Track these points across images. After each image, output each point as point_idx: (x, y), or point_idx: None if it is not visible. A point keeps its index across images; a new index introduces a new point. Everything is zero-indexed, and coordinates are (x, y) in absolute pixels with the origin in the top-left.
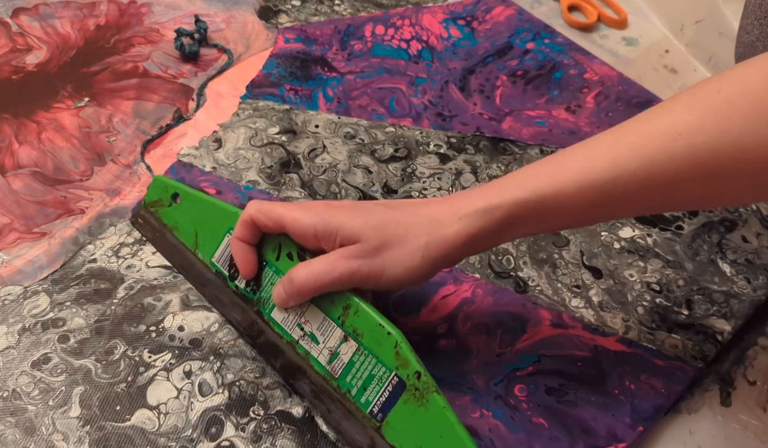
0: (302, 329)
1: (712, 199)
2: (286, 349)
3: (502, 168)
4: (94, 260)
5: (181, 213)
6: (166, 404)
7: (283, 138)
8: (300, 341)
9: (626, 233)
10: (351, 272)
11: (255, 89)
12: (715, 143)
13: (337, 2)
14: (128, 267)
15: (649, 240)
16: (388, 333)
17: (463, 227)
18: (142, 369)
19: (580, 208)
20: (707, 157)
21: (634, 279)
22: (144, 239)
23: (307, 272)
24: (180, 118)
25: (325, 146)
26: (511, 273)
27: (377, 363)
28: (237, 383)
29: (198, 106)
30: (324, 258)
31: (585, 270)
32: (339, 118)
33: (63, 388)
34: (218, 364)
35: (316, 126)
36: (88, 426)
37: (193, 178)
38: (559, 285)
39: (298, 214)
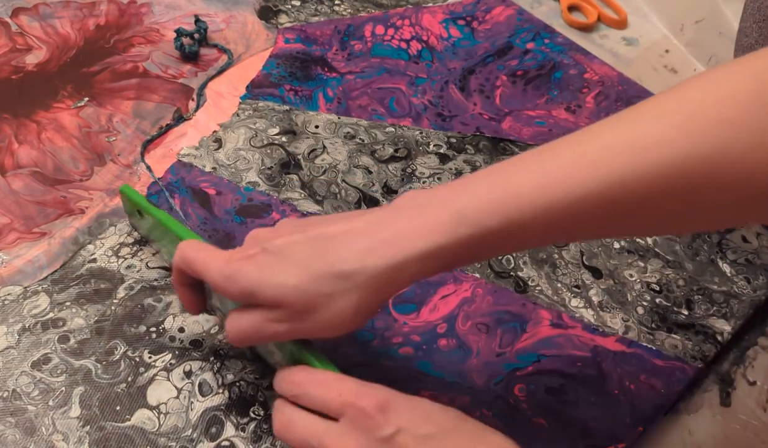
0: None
1: (685, 223)
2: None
3: None
4: (94, 260)
5: (148, 226)
6: (166, 404)
7: (283, 139)
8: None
9: None
10: (278, 333)
11: (255, 89)
12: (687, 156)
13: (337, 2)
14: (128, 267)
15: (649, 240)
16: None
17: (400, 270)
18: (142, 369)
19: (537, 236)
20: (677, 174)
21: (634, 279)
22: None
23: (236, 329)
24: (180, 118)
25: (325, 147)
26: (511, 273)
27: None
28: (237, 384)
29: (198, 106)
30: (250, 316)
31: (585, 270)
32: (339, 118)
33: (63, 388)
34: (218, 364)
35: (316, 126)
36: (88, 426)
37: (193, 179)
38: (559, 285)
39: (216, 272)
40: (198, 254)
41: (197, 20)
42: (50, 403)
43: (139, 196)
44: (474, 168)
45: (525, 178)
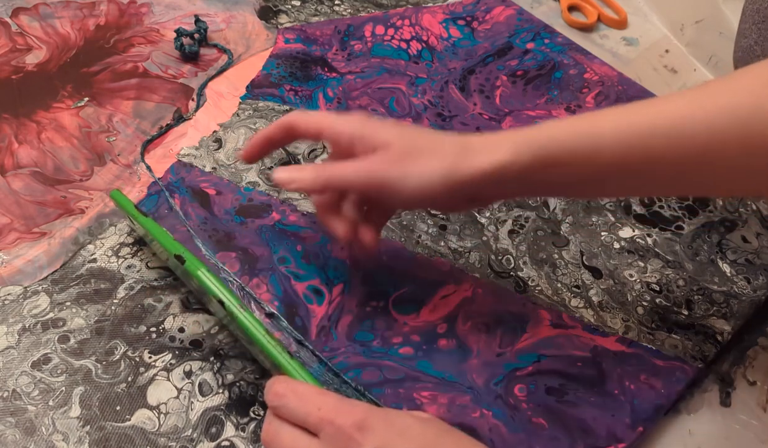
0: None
1: (695, 182)
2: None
3: None
4: (94, 260)
5: (142, 230)
6: (166, 404)
7: None
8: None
9: (626, 233)
10: (368, 171)
11: (255, 89)
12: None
13: (337, 2)
14: (128, 267)
15: (649, 240)
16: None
17: (490, 153)
18: (142, 369)
19: (611, 161)
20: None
21: (633, 279)
22: (144, 239)
23: (334, 165)
24: (180, 118)
25: (324, 147)
26: (511, 273)
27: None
28: (237, 384)
29: (198, 106)
30: (352, 160)
31: (585, 270)
32: None
33: (63, 388)
34: (218, 364)
35: None
36: (88, 426)
37: (193, 179)
38: (559, 285)
39: (335, 120)
40: (316, 112)
41: (197, 20)
42: (50, 403)
43: (127, 203)
44: None
45: (603, 115)
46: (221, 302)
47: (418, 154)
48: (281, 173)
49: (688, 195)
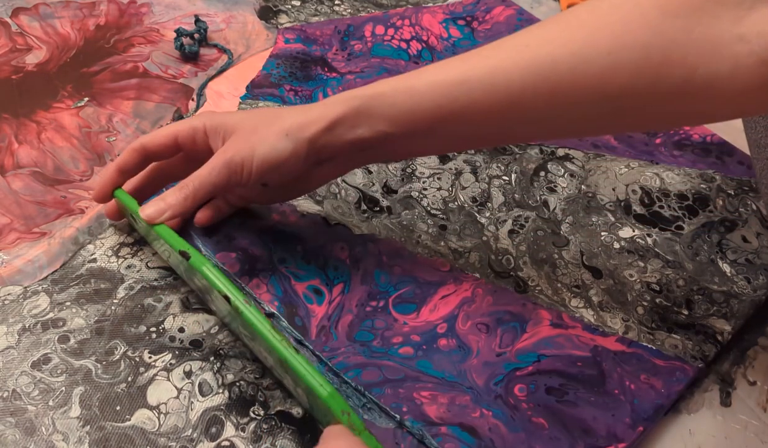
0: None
1: (556, 122)
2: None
3: (502, 168)
4: (94, 260)
5: (144, 229)
6: (166, 404)
7: None
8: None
9: (626, 232)
10: (225, 162)
11: (255, 89)
12: (557, 53)
13: (337, 2)
14: (128, 267)
15: (649, 240)
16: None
17: (324, 110)
18: (142, 369)
19: (430, 109)
20: (549, 67)
21: (634, 279)
22: (144, 239)
23: (192, 177)
24: (180, 118)
25: None
26: (511, 273)
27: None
28: (237, 384)
29: (198, 106)
30: (207, 162)
31: (585, 270)
32: None
33: (63, 388)
34: (218, 364)
35: None
36: (88, 426)
37: None
38: (559, 285)
39: (186, 122)
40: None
41: (197, 20)
42: (50, 403)
43: (131, 201)
44: (474, 168)
45: (433, 65)
46: (227, 298)
47: (261, 127)
48: (148, 209)
49: (511, 142)
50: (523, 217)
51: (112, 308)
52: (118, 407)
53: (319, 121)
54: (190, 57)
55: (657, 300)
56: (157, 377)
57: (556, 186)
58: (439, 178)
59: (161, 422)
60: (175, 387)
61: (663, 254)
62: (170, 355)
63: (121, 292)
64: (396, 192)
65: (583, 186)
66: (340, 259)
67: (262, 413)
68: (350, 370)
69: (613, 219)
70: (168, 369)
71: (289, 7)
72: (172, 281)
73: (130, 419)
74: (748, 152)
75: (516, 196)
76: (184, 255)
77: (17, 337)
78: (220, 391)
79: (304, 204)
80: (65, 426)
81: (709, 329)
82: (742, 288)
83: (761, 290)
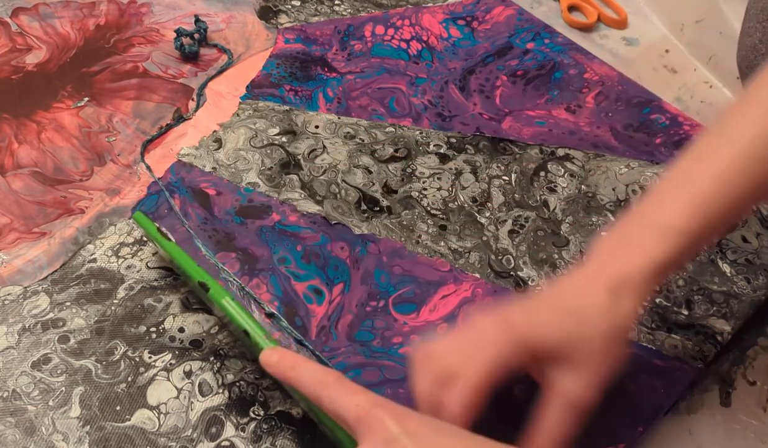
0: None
1: None
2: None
3: (502, 168)
4: (94, 260)
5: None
6: (166, 404)
7: (283, 139)
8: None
9: None
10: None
11: (255, 89)
12: None
13: (337, 2)
14: (128, 267)
15: None
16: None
17: (619, 314)
18: (142, 369)
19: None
20: None
21: None
22: (144, 239)
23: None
24: (180, 118)
25: (325, 147)
26: (511, 273)
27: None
28: (237, 384)
29: (198, 106)
30: None
31: None
32: (339, 118)
33: (63, 388)
34: (218, 364)
35: (316, 126)
36: (88, 426)
37: (193, 179)
38: None
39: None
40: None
41: (197, 20)
42: (50, 403)
43: (150, 226)
44: (474, 168)
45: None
46: (246, 332)
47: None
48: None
49: None
50: (523, 217)
51: (112, 308)
52: (118, 407)
53: (632, 304)
54: (190, 57)
55: (657, 300)
56: (157, 377)
57: (556, 186)
58: (439, 178)
59: (161, 422)
60: (175, 387)
61: None
62: (170, 355)
63: (121, 292)
64: (396, 192)
65: (583, 186)
66: (340, 259)
67: (262, 413)
68: (350, 370)
69: (613, 219)
70: (168, 369)
71: (289, 7)
72: (172, 281)
73: (130, 419)
74: None
75: (516, 196)
76: (204, 286)
77: (17, 337)
78: (220, 391)
79: (305, 204)
80: (65, 426)
81: (708, 329)
82: (741, 288)
83: (761, 290)
